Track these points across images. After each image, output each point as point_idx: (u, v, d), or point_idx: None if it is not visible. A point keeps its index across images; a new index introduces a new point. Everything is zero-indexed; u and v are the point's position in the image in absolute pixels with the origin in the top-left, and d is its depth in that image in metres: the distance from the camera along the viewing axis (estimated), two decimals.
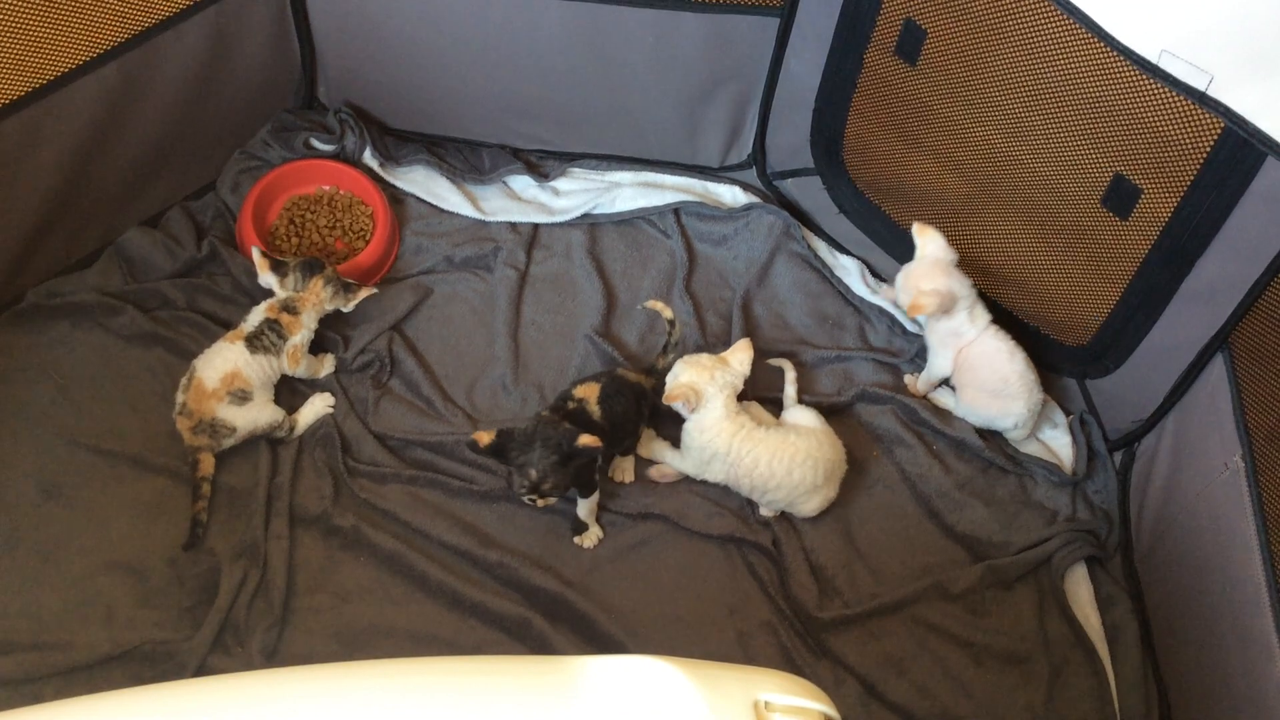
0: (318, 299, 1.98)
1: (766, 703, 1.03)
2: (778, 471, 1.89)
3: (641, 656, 1.08)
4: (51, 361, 2.01)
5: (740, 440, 1.89)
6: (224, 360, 1.90)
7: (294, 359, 1.97)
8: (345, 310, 2.04)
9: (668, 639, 1.86)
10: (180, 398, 1.89)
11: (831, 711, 1.06)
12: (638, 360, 2.14)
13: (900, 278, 2.07)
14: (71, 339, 2.04)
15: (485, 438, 1.76)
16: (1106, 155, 1.79)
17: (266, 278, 1.98)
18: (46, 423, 1.94)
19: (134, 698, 1.00)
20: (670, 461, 2.00)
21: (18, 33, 1.76)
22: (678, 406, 1.91)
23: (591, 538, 1.94)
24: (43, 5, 1.77)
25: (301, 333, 1.98)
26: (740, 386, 1.94)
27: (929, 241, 2.04)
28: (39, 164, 1.92)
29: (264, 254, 1.98)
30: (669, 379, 1.93)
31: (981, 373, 2.06)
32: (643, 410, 1.96)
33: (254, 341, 1.93)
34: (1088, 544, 1.99)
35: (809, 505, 1.95)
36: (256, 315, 1.97)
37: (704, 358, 1.94)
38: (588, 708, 1.03)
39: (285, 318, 1.96)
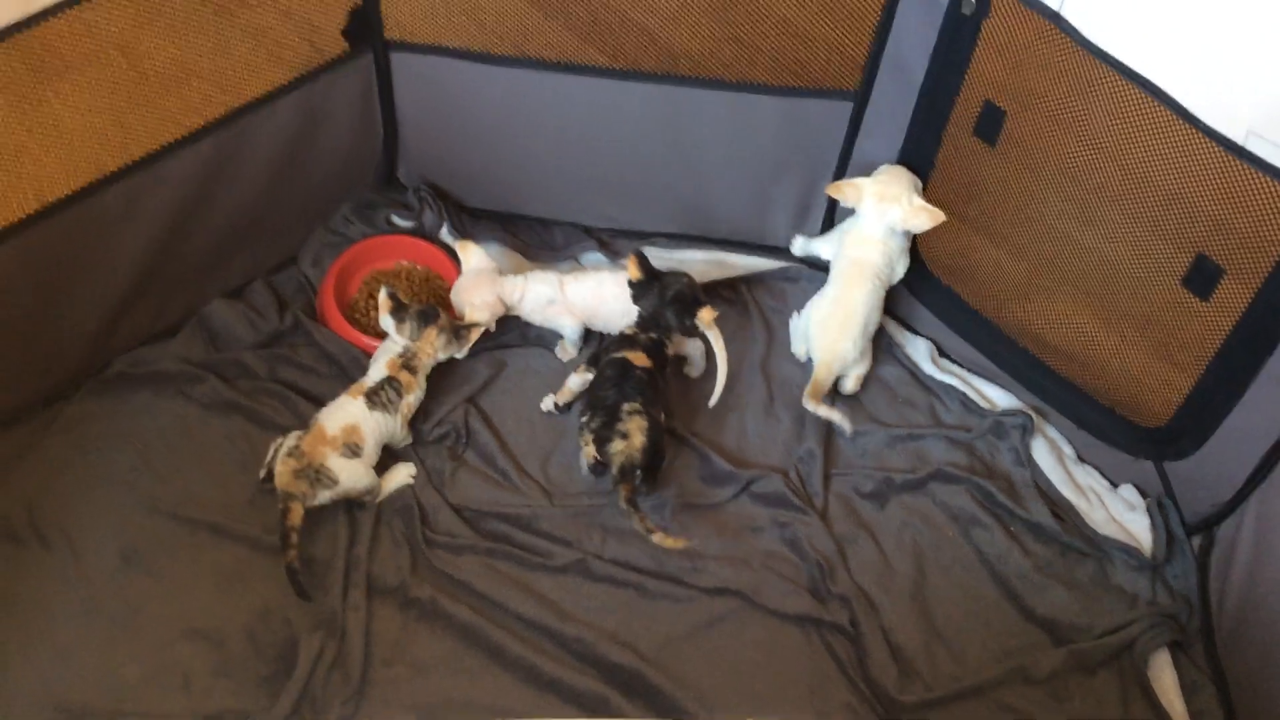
0: (432, 348, 2.03)
1: None
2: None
3: None
4: (134, 429, 2.03)
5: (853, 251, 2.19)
6: (345, 414, 1.95)
7: (405, 419, 2.02)
8: (460, 356, 2.09)
9: None
10: (292, 442, 1.91)
11: None
12: (733, 455, 2.16)
13: (453, 294, 2.20)
14: (154, 407, 2.06)
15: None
16: (1189, 236, 1.80)
17: (386, 319, 2.04)
18: (127, 490, 1.96)
19: None
20: None
21: (122, 107, 1.83)
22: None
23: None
24: (143, 80, 1.83)
25: (416, 392, 2.03)
26: (895, 226, 2.15)
27: (470, 255, 2.19)
28: (133, 235, 1.97)
29: (391, 294, 2.04)
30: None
31: (599, 307, 2.20)
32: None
33: (373, 397, 1.97)
34: (1170, 629, 1.96)
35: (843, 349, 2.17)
36: (377, 371, 2.01)
37: (899, 178, 2.15)
38: None
39: (404, 376, 2.01)
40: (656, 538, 1.89)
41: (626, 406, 1.96)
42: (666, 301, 2.07)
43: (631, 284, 2.10)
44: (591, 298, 2.19)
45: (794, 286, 2.39)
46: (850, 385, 2.24)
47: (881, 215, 2.14)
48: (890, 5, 2.00)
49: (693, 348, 2.21)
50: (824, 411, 2.14)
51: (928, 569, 2.03)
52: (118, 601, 1.84)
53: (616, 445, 1.94)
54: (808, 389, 2.16)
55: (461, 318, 2.14)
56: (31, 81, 1.70)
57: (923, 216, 2.11)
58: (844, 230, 2.23)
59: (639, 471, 1.95)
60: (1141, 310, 1.97)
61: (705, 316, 2.07)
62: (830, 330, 2.18)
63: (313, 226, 2.33)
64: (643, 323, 2.10)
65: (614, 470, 1.94)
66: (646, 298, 2.09)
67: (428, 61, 2.17)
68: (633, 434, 1.94)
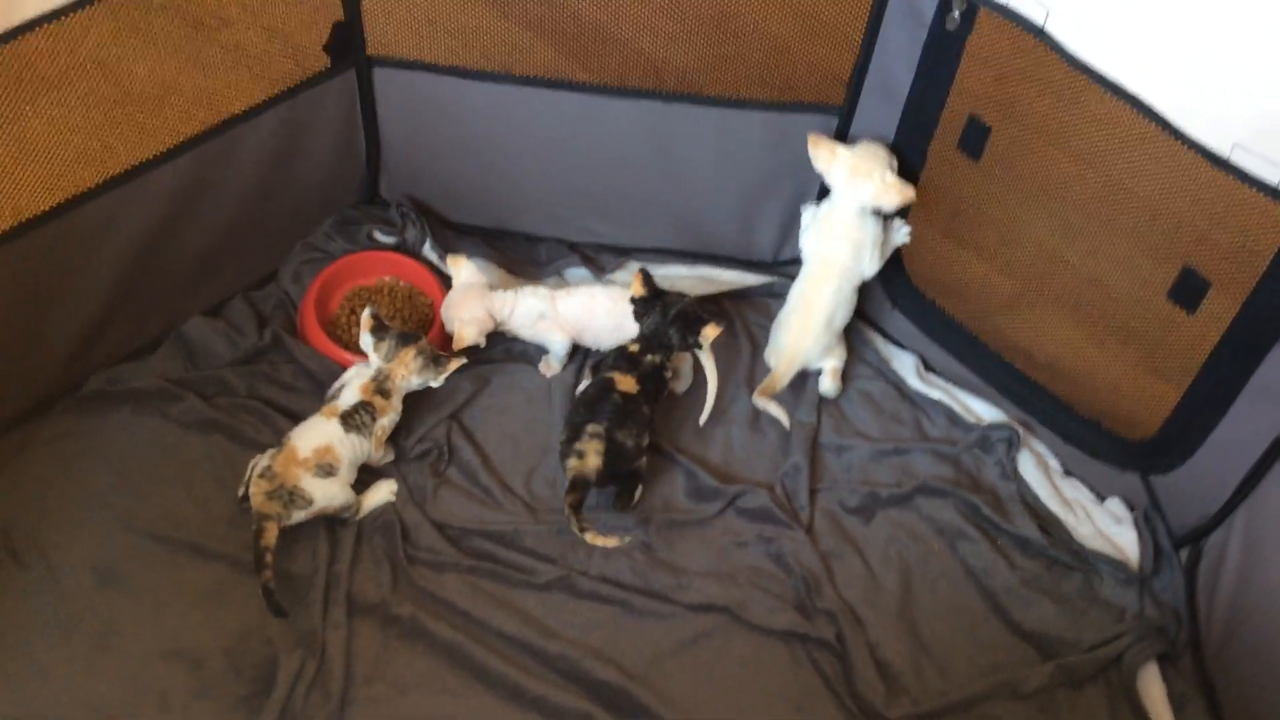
0: (406, 370, 1.99)
1: None
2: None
3: None
4: (112, 447, 2.01)
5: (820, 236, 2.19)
6: (319, 434, 1.92)
7: (379, 442, 1.99)
8: (435, 385, 2.04)
9: None
10: (265, 462, 1.89)
11: None
12: (719, 469, 2.15)
13: (444, 310, 2.18)
14: (132, 425, 2.04)
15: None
16: (1176, 249, 1.80)
17: (366, 338, 2.00)
18: (105, 508, 1.94)
19: None
20: None
21: (101, 123, 1.81)
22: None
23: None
24: (123, 96, 1.82)
25: (390, 415, 2.00)
26: (866, 204, 2.11)
27: (461, 270, 2.20)
28: (111, 251, 1.96)
29: (374, 314, 2.01)
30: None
31: (590, 322, 2.19)
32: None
33: (348, 420, 1.94)
34: (1158, 642, 1.95)
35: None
36: (351, 395, 1.98)
37: (876, 155, 2.10)
38: None
39: (378, 400, 1.97)
40: (589, 536, 1.92)
41: (590, 428, 1.96)
42: (669, 319, 2.06)
43: (634, 301, 2.09)
44: (583, 312, 2.18)
45: (779, 302, 2.37)
46: (829, 385, 2.24)
47: (855, 190, 2.11)
48: (875, 21, 2.00)
49: (681, 363, 2.20)
50: (771, 408, 2.17)
51: (914, 584, 2.02)
52: (95, 621, 1.81)
53: (571, 462, 1.96)
54: (763, 383, 2.17)
55: (451, 334, 2.11)
56: (9, 97, 1.68)
57: (893, 194, 2.09)
58: (821, 218, 2.20)
59: (618, 490, 2.00)
60: (1128, 324, 1.96)
61: (709, 333, 2.06)
62: (792, 328, 2.20)
63: (294, 242, 2.31)
64: (645, 342, 2.08)
65: (567, 481, 1.97)
66: (649, 315, 2.08)
67: (411, 77, 2.16)
68: (588, 455, 1.95)
